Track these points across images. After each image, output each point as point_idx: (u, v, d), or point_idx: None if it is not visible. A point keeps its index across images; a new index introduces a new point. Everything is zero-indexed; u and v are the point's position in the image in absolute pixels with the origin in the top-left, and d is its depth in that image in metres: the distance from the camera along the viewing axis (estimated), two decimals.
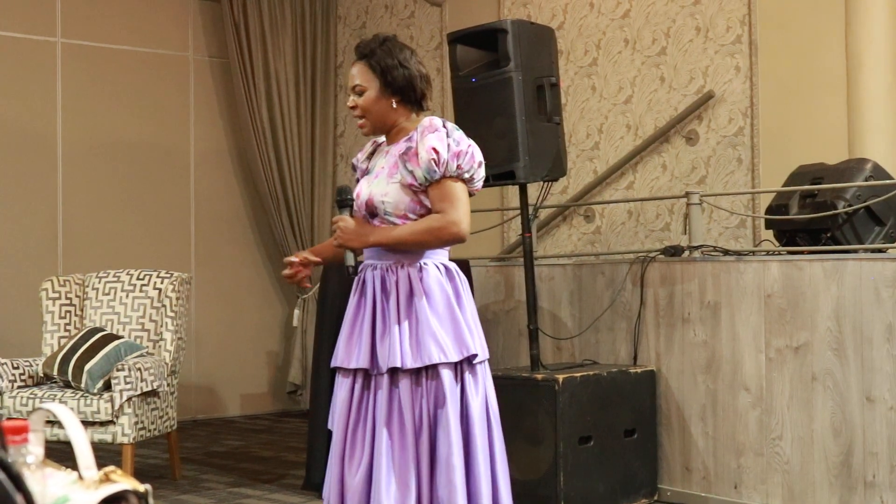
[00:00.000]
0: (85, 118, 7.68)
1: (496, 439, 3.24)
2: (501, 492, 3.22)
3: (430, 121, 3.24)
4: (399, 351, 3.11)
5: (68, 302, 5.90)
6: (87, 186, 7.67)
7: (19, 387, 5.52)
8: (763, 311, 4.85)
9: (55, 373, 5.50)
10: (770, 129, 6.10)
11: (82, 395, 5.30)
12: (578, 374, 4.96)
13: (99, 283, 5.95)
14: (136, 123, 7.92)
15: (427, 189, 3.18)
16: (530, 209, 5.32)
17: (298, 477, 5.79)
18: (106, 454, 5.93)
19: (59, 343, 5.77)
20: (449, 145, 3.16)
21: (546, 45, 5.14)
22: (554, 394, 4.83)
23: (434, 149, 3.14)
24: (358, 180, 3.43)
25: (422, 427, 3.12)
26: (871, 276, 4.51)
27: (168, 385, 5.57)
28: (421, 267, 3.20)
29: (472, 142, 3.24)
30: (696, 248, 5.27)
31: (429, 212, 3.19)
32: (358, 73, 3.29)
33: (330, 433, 3.31)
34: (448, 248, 3.29)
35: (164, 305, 5.76)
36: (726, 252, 5.26)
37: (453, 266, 3.27)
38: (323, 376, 5.14)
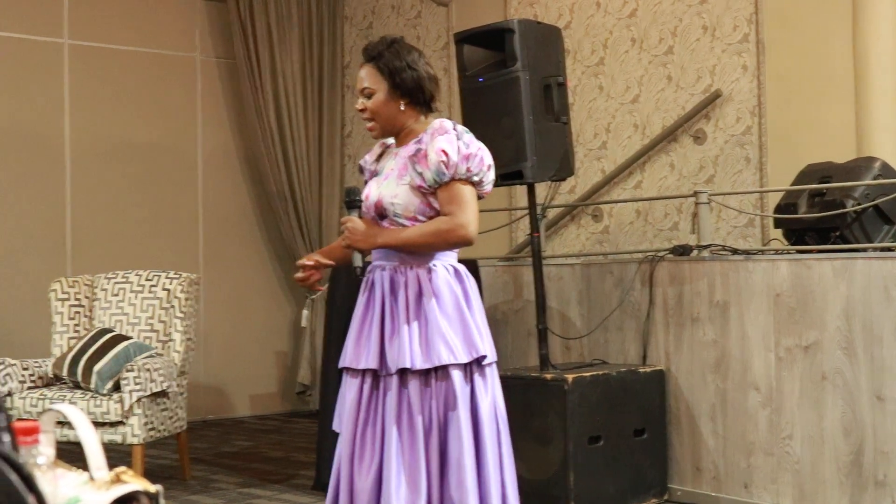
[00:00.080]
0: (92, 119, 7.69)
1: (504, 441, 3.24)
2: (509, 493, 3.22)
3: (441, 123, 3.24)
4: (408, 352, 3.11)
5: (77, 303, 5.91)
6: (95, 187, 7.68)
7: (29, 388, 5.53)
8: (772, 311, 4.84)
9: (65, 374, 5.51)
10: (778, 127, 6.08)
11: (92, 396, 5.31)
12: (588, 374, 4.95)
13: (108, 284, 5.96)
14: (144, 124, 7.93)
15: (436, 191, 3.18)
16: (538, 209, 5.32)
17: (308, 477, 5.80)
18: (116, 455, 5.92)
19: (68, 344, 5.78)
20: (459, 148, 3.16)
21: (553, 45, 5.14)
22: (563, 393, 4.83)
23: (444, 151, 3.14)
24: (366, 182, 3.43)
25: (431, 428, 3.12)
26: (880, 275, 4.49)
27: (177, 386, 5.58)
28: (430, 268, 3.20)
29: (481, 145, 3.24)
30: (705, 247, 5.27)
31: (438, 214, 3.19)
32: (366, 76, 3.28)
33: (336, 434, 3.31)
34: (456, 249, 3.29)
35: (172, 306, 5.76)
36: (735, 251, 5.25)
37: (462, 268, 3.27)
38: (332, 377, 5.14)
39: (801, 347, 4.74)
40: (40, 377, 5.63)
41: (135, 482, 1.45)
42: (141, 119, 7.92)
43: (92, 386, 5.36)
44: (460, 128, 3.23)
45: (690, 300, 5.16)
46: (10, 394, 5.40)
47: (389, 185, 3.24)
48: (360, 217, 3.25)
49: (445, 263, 3.23)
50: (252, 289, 8.42)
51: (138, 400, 5.23)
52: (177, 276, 5.87)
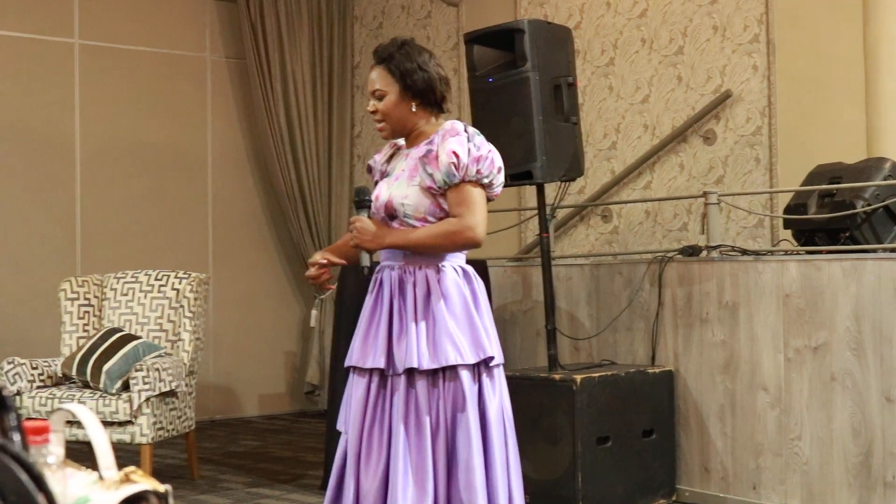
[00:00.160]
0: (103, 119, 7.71)
1: (510, 443, 3.24)
2: (515, 496, 3.22)
3: (452, 125, 3.24)
4: (416, 352, 3.11)
5: (87, 302, 5.92)
6: (104, 187, 7.69)
7: (38, 387, 5.54)
8: (781, 311, 4.83)
9: (74, 373, 5.52)
10: (788, 128, 6.07)
11: (101, 396, 5.32)
12: (596, 375, 4.95)
13: (117, 283, 5.97)
14: (154, 124, 7.95)
15: (445, 192, 3.18)
16: (548, 209, 5.31)
17: (316, 477, 5.80)
18: (124, 454, 5.95)
19: (77, 343, 5.80)
20: (469, 150, 3.16)
21: (563, 45, 5.14)
22: (572, 394, 4.82)
23: (454, 152, 3.14)
24: (375, 182, 3.43)
25: (439, 429, 3.12)
26: (889, 276, 4.48)
27: (186, 385, 5.58)
28: (439, 269, 3.20)
29: (492, 147, 3.24)
30: (714, 247, 5.26)
31: (447, 215, 3.19)
32: (377, 78, 3.28)
33: (339, 434, 3.31)
34: (465, 251, 3.29)
35: (182, 306, 5.77)
36: (744, 252, 5.24)
37: (470, 269, 3.27)
38: (340, 377, 5.14)
39: (811, 348, 4.73)
40: (49, 376, 5.64)
41: (144, 482, 1.45)
42: (151, 119, 7.94)
43: (101, 385, 5.38)
44: (471, 129, 3.23)
45: (699, 301, 5.15)
46: (19, 393, 5.42)
47: (400, 185, 3.24)
48: (370, 217, 3.26)
49: (454, 264, 3.23)
50: (261, 289, 8.43)
51: (147, 399, 5.24)
52: (186, 275, 5.88)
